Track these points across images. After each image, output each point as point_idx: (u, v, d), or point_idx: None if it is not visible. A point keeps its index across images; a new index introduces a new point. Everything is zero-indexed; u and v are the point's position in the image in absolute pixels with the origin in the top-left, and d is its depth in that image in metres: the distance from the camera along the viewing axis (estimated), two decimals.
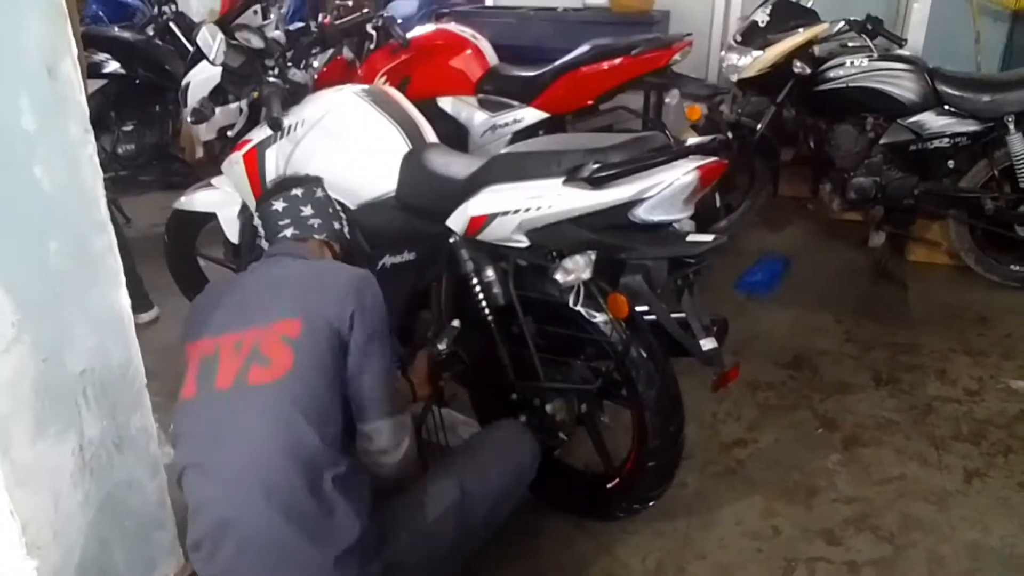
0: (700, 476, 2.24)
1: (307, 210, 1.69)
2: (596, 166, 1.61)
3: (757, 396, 2.60)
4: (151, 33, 4.13)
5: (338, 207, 1.78)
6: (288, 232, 1.66)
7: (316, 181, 1.77)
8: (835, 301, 3.21)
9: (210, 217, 2.52)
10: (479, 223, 1.76)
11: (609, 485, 1.97)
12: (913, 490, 2.16)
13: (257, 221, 1.72)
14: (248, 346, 1.39)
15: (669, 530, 2.03)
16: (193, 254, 2.85)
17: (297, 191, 1.71)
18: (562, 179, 1.65)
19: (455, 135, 3.11)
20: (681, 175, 1.59)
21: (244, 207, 2.35)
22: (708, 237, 1.64)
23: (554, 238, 1.70)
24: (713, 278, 3.33)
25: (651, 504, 1.96)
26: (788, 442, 2.38)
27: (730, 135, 3.43)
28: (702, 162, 1.62)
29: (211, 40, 2.17)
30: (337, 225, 1.72)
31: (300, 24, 2.98)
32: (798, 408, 2.54)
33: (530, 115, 3.12)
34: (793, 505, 2.12)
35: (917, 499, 2.13)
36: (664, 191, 1.58)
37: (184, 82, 2.51)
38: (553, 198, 1.65)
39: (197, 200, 2.54)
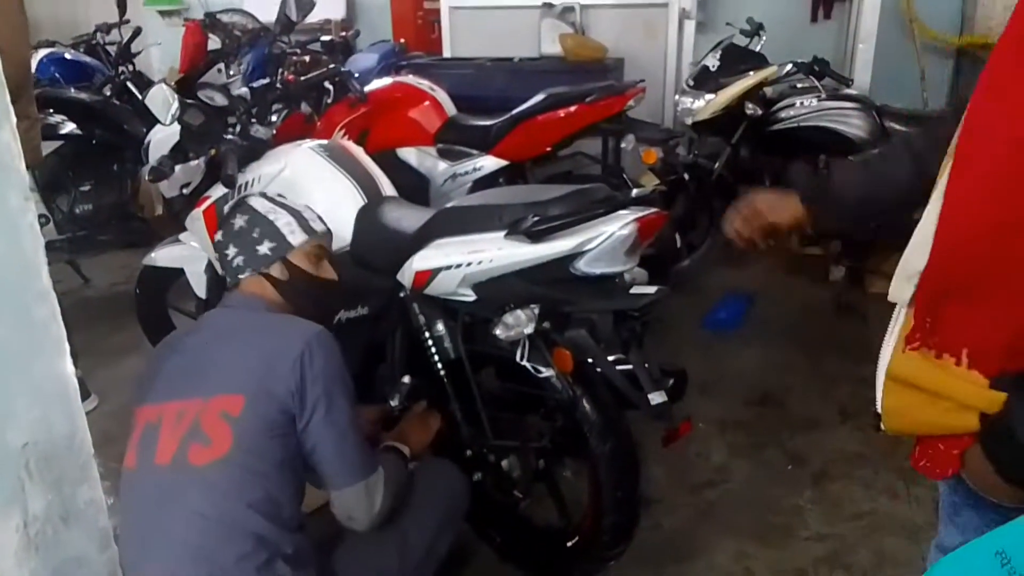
0: (671, 519, 2.21)
1: (231, 251, 1.58)
2: (535, 219, 1.61)
3: (726, 435, 2.60)
4: (108, 93, 4.11)
5: (271, 216, 1.58)
6: (227, 281, 1.61)
7: (240, 207, 1.63)
8: (799, 336, 3.24)
9: (179, 272, 2.53)
10: (424, 278, 1.75)
11: (569, 544, 1.93)
12: (884, 524, 2.16)
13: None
14: (189, 419, 1.36)
15: (641, 575, 2.00)
16: (164, 308, 2.86)
17: (219, 234, 1.62)
18: (503, 233, 1.66)
19: (416, 185, 3.12)
20: (619, 228, 1.59)
21: (209, 263, 2.34)
22: (651, 289, 1.65)
23: (499, 292, 1.69)
24: (678, 317, 3.35)
25: (611, 564, 1.91)
26: (759, 481, 2.38)
27: (687, 176, 3.49)
28: (640, 214, 1.63)
29: (163, 100, 2.17)
30: (262, 249, 1.55)
31: (264, 81, 2.99)
32: (767, 446, 2.54)
33: (489, 163, 3.14)
34: (766, 547, 2.11)
35: (888, 534, 2.12)
36: (603, 243, 1.59)
37: (146, 140, 2.49)
38: (494, 252, 1.65)
39: (165, 256, 2.56)
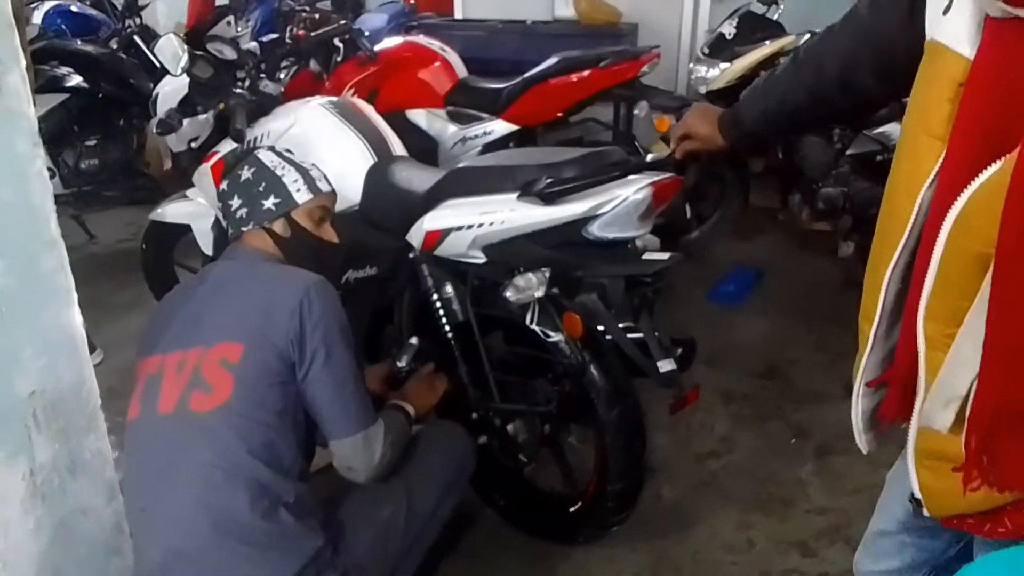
0: (674, 488, 2.22)
1: (234, 202, 1.57)
2: (548, 181, 1.58)
3: (730, 407, 2.60)
4: (115, 47, 4.06)
5: (279, 172, 1.57)
6: (228, 232, 1.60)
7: (248, 158, 1.61)
8: (806, 311, 3.22)
9: (186, 228, 2.51)
10: (434, 238, 1.73)
11: (572, 509, 1.94)
12: None
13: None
14: (190, 367, 1.36)
15: (643, 544, 2.01)
16: (170, 264, 2.84)
17: (224, 184, 1.61)
18: (516, 194, 1.63)
19: (425, 147, 3.09)
20: (633, 192, 1.57)
21: (216, 219, 2.32)
22: (664, 255, 1.62)
23: (510, 254, 1.68)
24: (685, 288, 3.33)
25: (614, 529, 1.92)
26: (762, 453, 2.38)
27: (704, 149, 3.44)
28: (656, 178, 1.61)
29: (172, 51, 2.14)
30: (266, 203, 1.54)
31: (274, 36, 2.95)
32: (771, 418, 2.54)
33: (500, 127, 3.11)
34: (767, 517, 2.11)
35: None
36: (617, 208, 1.57)
37: (154, 93, 2.46)
38: (506, 213, 1.63)
39: (172, 211, 2.54)
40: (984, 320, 0.78)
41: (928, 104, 0.86)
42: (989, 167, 0.76)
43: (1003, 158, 0.74)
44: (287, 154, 1.63)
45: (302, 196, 1.57)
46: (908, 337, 0.90)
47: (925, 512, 0.97)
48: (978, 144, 0.79)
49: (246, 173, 1.58)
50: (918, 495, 0.96)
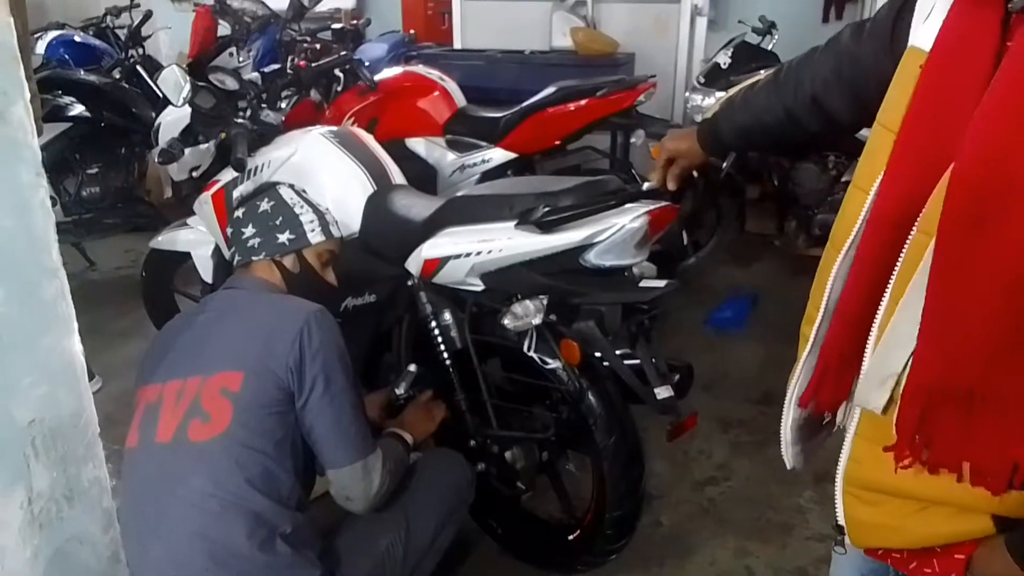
0: (673, 516, 2.21)
1: (248, 230, 1.61)
2: (546, 209, 1.60)
3: (728, 433, 2.59)
4: (118, 76, 4.12)
5: (297, 210, 1.64)
6: (235, 259, 1.63)
7: (268, 191, 1.67)
8: None
9: (186, 256, 2.53)
10: (433, 266, 1.75)
11: (570, 537, 1.93)
12: None
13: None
14: (189, 396, 1.36)
15: (642, 572, 2.00)
16: (170, 291, 2.86)
17: (239, 211, 1.66)
18: (514, 222, 1.65)
19: (424, 176, 3.11)
20: (630, 220, 1.58)
21: (216, 247, 2.33)
22: (660, 283, 1.63)
23: (507, 282, 1.69)
24: (682, 315, 3.34)
25: (612, 557, 1.91)
26: (760, 479, 2.37)
27: (695, 174, 3.46)
28: (652, 206, 1.62)
29: (175, 82, 2.17)
30: (281, 237, 1.60)
31: (275, 66, 2.99)
32: (769, 444, 2.53)
33: (498, 155, 3.14)
34: (767, 544, 2.10)
35: None
36: (614, 235, 1.58)
37: (156, 122, 2.49)
38: (504, 241, 1.65)
39: (172, 239, 2.56)
40: (921, 299, 0.79)
41: (891, 101, 0.88)
42: (941, 157, 0.77)
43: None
44: (304, 194, 1.69)
45: (315, 236, 1.63)
46: (841, 323, 0.91)
47: (847, 540, 0.95)
48: (927, 128, 0.81)
49: (264, 205, 1.63)
50: (842, 523, 0.95)
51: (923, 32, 0.86)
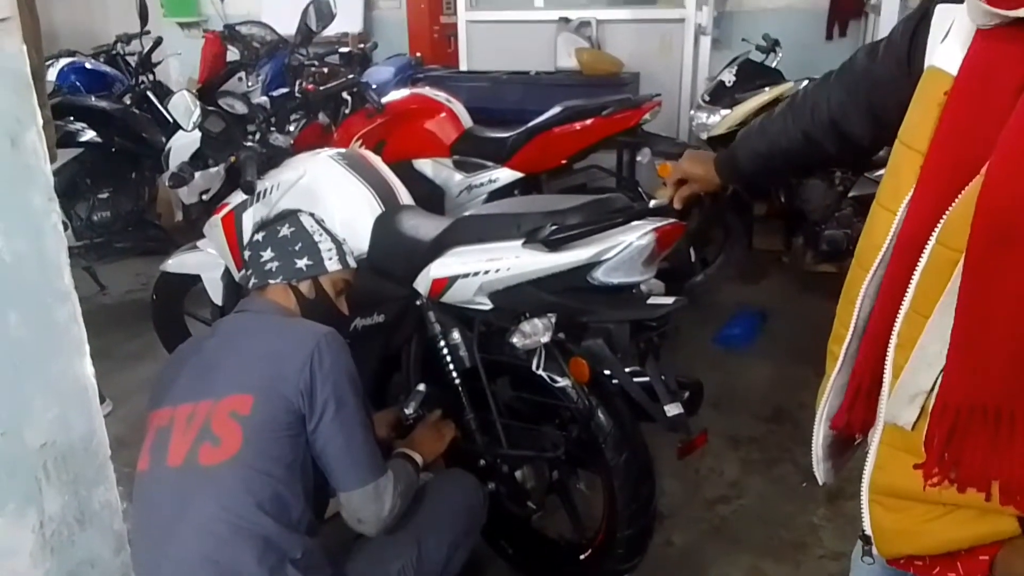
0: (684, 535, 2.19)
1: (266, 254, 1.63)
2: (553, 228, 1.60)
3: (739, 451, 2.58)
4: (128, 102, 4.17)
5: (316, 237, 1.67)
6: (251, 282, 1.64)
7: (289, 217, 1.70)
8: (812, 353, 3.16)
9: (196, 279, 2.55)
10: (441, 285, 1.75)
11: (582, 556, 1.91)
12: None
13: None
14: (200, 420, 1.36)
15: None
16: (181, 314, 2.87)
17: (259, 235, 1.68)
18: (521, 241, 1.66)
19: (432, 196, 3.14)
20: (637, 237, 1.58)
21: (227, 269, 2.35)
22: (669, 300, 1.63)
23: (516, 300, 1.69)
24: (691, 332, 3.33)
25: None
26: (772, 497, 2.35)
27: (702, 192, 3.47)
28: (659, 224, 1.62)
29: (185, 107, 2.20)
30: (299, 263, 1.62)
31: (283, 90, 3.02)
32: (780, 462, 2.52)
33: (505, 175, 3.16)
34: (780, 563, 2.08)
35: None
36: (621, 253, 1.58)
37: (167, 147, 2.52)
38: (512, 260, 1.65)
39: (182, 262, 2.57)
40: (950, 318, 0.79)
41: (913, 120, 0.89)
42: (969, 180, 0.78)
43: (983, 170, 0.77)
44: (323, 223, 1.72)
45: (332, 265, 1.66)
46: (874, 344, 0.91)
47: (874, 551, 0.96)
48: (955, 152, 0.81)
49: (284, 230, 1.65)
50: (868, 532, 0.95)
51: (942, 53, 0.87)
